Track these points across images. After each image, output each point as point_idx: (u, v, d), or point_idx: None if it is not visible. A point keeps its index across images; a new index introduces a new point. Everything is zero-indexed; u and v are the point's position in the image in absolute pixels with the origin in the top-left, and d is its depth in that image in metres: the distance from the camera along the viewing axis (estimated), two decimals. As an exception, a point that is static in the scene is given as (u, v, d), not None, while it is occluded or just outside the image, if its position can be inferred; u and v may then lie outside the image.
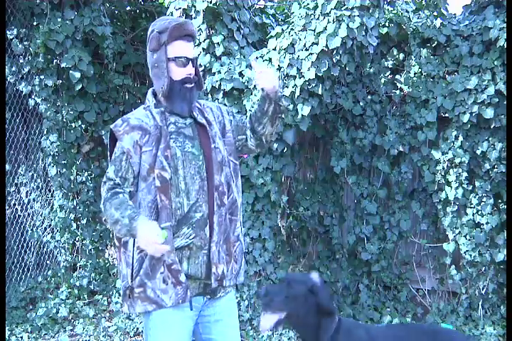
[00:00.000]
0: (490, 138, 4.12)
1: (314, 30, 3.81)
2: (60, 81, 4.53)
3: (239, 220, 2.29)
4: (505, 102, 3.97)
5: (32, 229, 5.02)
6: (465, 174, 4.14)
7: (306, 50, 3.84)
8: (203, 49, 4.19)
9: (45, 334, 4.24)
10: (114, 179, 2.16)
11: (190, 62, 2.21)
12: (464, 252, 4.19)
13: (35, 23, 4.42)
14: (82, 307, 4.57)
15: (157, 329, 2.18)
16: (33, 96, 4.77)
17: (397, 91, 4.46)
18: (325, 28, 3.75)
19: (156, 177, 2.10)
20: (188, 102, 2.22)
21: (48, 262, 5.01)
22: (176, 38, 2.17)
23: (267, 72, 2.19)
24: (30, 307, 4.64)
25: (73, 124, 4.73)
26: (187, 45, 2.20)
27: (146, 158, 2.12)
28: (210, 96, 4.20)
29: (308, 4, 3.89)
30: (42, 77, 4.53)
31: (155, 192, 2.10)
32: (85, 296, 4.71)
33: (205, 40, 4.18)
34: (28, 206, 5.06)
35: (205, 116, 2.29)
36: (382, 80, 4.50)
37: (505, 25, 3.89)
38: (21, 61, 4.68)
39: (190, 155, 2.18)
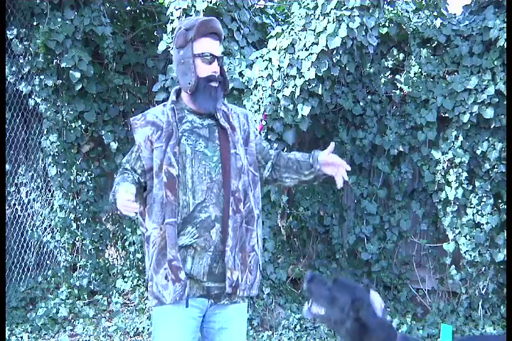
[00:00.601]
0: (490, 138, 4.12)
1: (314, 30, 3.81)
2: (60, 81, 4.53)
3: (255, 231, 2.25)
4: (505, 102, 3.97)
5: (32, 229, 5.01)
6: (465, 174, 4.14)
7: (306, 50, 3.84)
8: (203, 49, 4.18)
9: (45, 334, 4.24)
10: (124, 165, 2.25)
11: (216, 60, 2.21)
12: (464, 252, 4.19)
13: (35, 23, 4.42)
14: (82, 307, 4.57)
15: (159, 325, 2.20)
16: (33, 96, 4.77)
17: (397, 92, 4.46)
18: (325, 28, 3.75)
19: (163, 173, 2.13)
20: (213, 100, 2.21)
21: (47, 262, 5.01)
22: (203, 34, 2.17)
23: (342, 166, 2.32)
24: (30, 307, 4.64)
25: (73, 124, 4.73)
26: (213, 42, 2.21)
27: (157, 154, 2.15)
28: (210, 96, 4.20)
29: (308, 4, 3.89)
30: (42, 77, 4.53)
31: (164, 188, 2.13)
32: (85, 296, 4.71)
33: (205, 40, 4.17)
34: (28, 206, 5.06)
35: (229, 120, 2.27)
36: (382, 80, 4.50)
37: (505, 25, 3.89)
38: (21, 61, 4.67)
39: (200, 155, 2.18)
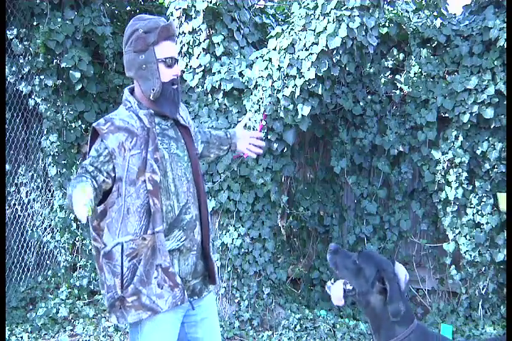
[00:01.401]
0: (490, 138, 4.11)
1: (314, 30, 3.81)
2: (60, 81, 4.53)
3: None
4: (505, 102, 3.97)
5: (32, 229, 5.01)
6: (465, 174, 4.14)
7: (306, 50, 3.84)
8: (203, 49, 4.19)
9: (45, 334, 4.24)
10: (86, 167, 2.08)
11: (176, 62, 2.20)
12: (464, 252, 4.19)
13: (35, 23, 4.42)
14: (82, 307, 4.57)
15: (150, 335, 2.14)
16: (33, 96, 4.77)
17: (397, 92, 4.46)
18: (325, 28, 3.75)
19: (147, 181, 2.06)
20: (175, 104, 2.20)
21: (47, 262, 5.01)
22: (165, 38, 2.14)
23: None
24: (30, 307, 4.64)
25: (73, 124, 4.72)
26: (173, 45, 2.19)
27: (135, 162, 2.07)
28: (210, 96, 4.21)
29: (308, 4, 3.89)
30: (42, 77, 4.52)
31: (145, 195, 2.06)
32: (85, 296, 4.71)
33: (205, 40, 4.18)
34: (28, 206, 5.05)
35: (182, 116, 2.30)
36: (382, 80, 4.50)
37: (505, 25, 3.89)
38: (21, 61, 4.67)
39: (175, 157, 2.17)
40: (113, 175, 2.08)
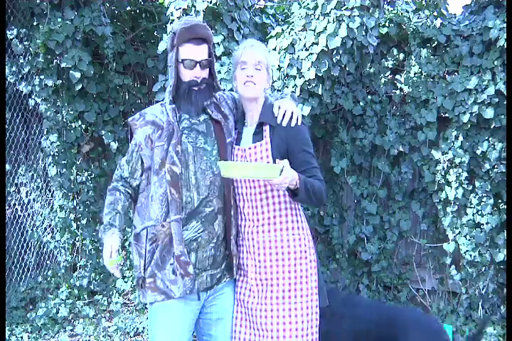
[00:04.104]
0: (490, 138, 4.11)
1: (314, 30, 3.81)
2: (60, 81, 4.53)
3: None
4: (505, 102, 3.97)
5: (32, 229, 5.01)
6: (465, 174, 4.14)
7: (306, 50, 3.84)
8: (203, 49, 4.19)
9: (45, 334, 4.24)
10: (124, 169, 2.32)
11: (198, 65, 2.27)
12: (464, 252, 4.19)
13: (35, 23, 4.42)
14: (82, 307, 4.57)
15: (160, 320, 2.25)
16: (33, 96, 4.77)
17: (397, 92, 4.46)
18: (325, 28, 3.75)
19: (166, 172, 2.20)
20: (194, 104, 2.29)
21: (47, 262, 5.01)
22: (185, 40, 2.25)
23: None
24: (30, 307, 4.64)
25: (73, 124, 4.72)
26: (195, 48, 2.26)
27: (158, 153, 2.23)
28: (210, 96, 4.20)
29: (308, 4, 3.89)
30: (42, 77, 4.52)
31: (166, 185, 2.20)
32: (85, 296, 4.71)
33: (205, 40, 4.17)
34: (28, 206, 5.06)
35: (221, 110, 2.37)
36: (382, 80, 4.50)
37: (505, 25, 3.89)
38: (21, 61, 4.67)
39: (201, 151, 2.27)
40: (144, 169, 2.29)
